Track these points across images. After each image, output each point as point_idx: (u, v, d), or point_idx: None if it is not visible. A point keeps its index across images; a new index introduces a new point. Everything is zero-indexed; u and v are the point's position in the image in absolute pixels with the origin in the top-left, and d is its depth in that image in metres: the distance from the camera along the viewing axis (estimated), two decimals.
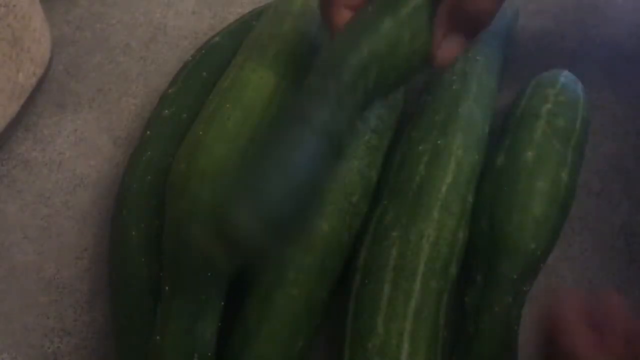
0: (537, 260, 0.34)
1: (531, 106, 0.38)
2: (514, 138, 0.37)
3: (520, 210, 0.34)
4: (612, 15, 0.49)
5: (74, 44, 0.48)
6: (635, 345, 0.26)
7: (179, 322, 0.32)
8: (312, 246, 0.34)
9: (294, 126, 0.25)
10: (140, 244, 0.36)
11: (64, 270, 0.39)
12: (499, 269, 0.34)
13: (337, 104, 0.26)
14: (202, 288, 0.32)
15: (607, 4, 0.49)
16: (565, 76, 0.40)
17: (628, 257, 0.38)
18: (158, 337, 0.32)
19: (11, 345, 0.37)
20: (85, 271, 0.39)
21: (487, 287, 0.34)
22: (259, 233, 0.23)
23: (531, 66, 0.43)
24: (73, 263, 0.39)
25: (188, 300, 0.32)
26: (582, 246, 0.39)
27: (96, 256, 0.39)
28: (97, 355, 0.36)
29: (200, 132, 0.35)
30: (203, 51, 0.44)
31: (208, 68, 0.42)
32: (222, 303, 0.33)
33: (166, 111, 0.40)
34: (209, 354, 0.32)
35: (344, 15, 0.30)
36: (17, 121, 0.43)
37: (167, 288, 0.33)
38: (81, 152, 0.43)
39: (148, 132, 0.40)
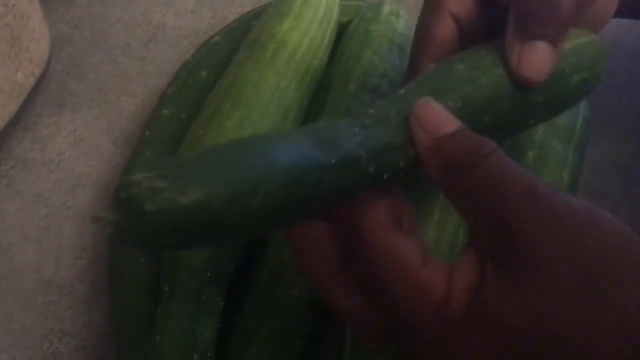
0: None
1: None
2: (515, 138, 0.37)
3: None
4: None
5: (73, 43, 0.48)
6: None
7: (179, 322, 0.32)
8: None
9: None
10: None
11: (63, 270, 0.39)
12: None
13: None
14: (202, 288, 0.32)
15: None
16: None
17: None
18: (158, 337, 0.32)
19: (10, 346, 0.36)
20: (85, 271, 0.39)
21: None
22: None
23: None
24: (72, 263, 0.39)
25: (188, 300, 0.32)
26: None
27: (95, 256, 0.39)
28: (97, 355, 0.36)
29: (200, 132, 0.35)
30: (202, 51, 0.44)
31: (208, 68, 0.42)
32: (222, 303, 0.33)
33: (166, 111, 0.40)
34: (209, 354, 0.32)
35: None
36: (16, 121, 0.43)
37: (167, 288, 0.32)
38: (80, 152, 0.43)
39: (147, 132, 0.40)
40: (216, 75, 0.40)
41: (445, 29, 0.29)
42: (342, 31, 0.43)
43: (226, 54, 0.42)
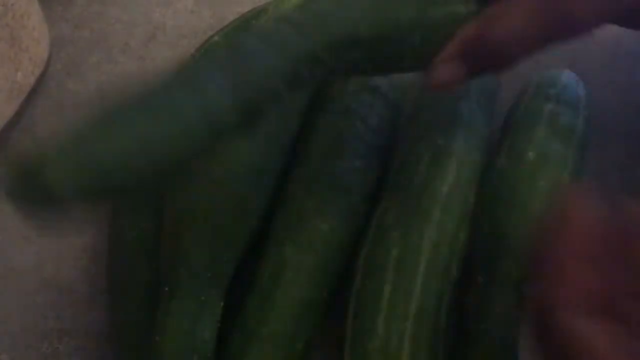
0: None
1: (532, 106, 0.38)
2: (515, 138, 0.37)
3: (521, 210, 0.34)
4: None
5: (73, 43, 0.48)
6: None
7: (179, 322, 0.32)
8: (312, 246, 0.34)
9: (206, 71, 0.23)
10: (140, 244, 0.36)
11: (63, 270, 0.39)
12: (500, 269, 0.34)
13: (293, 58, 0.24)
14: (202, 288, 0.32)
15: None
16: (567, 76, 0.40)
17: None
18: (158, 337, 0.32)
19: (10, 346, 0.36)
20: (85, 271, 0.39)
21: (488, 288, 0.34)
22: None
23: (531, 66, 0.42)
24: (72, 263, 0.39)
25: (188, 300, 0.32)
26: None
27: (96, 256, 0.39)
28: (97, 355, 0.36)
29: None
30: (202, 50, 0.43)
31: None
32: (222, 303, 0.33)
33: None
34: (209, 354, 0.32)
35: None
36: (16, 121, 0.43)
37: (166, 288, 0.32)
38: None
39: None
40: None
41: None
42: None
43: None
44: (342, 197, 0.35)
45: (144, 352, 0.32)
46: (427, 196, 0.34)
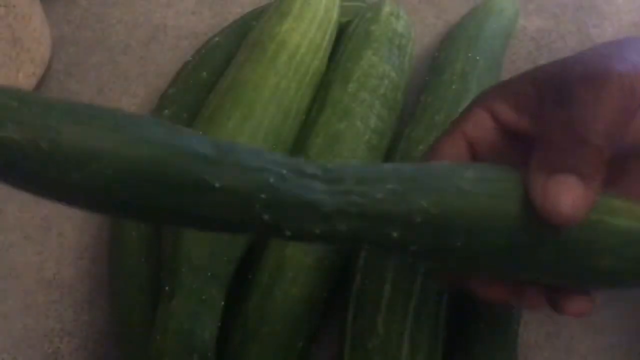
0: None
1: None
2: None
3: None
4: (611, 14, 0.49)
5: (74, 44, 0.48)
6: None
7: (179, 322, 0.32)
8: (312, 246, 0.34)
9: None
10: (140, 244, 0.36)
11: (64, 270, 0.39)
12: None
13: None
14: (202, 288, 0.32)
15: (607, 3, 0.49)
16: None
17: None
18: (158, 337, 0.32)
19: (11, 346, 0.36)
20: (85, 271, 0.39)
21: None
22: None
23: (531, 66, 0.42)
24: (73, 263, 0.39)
25: (188, 300, 0.32)
26: None
27: (96, 256, 0.39)
28: (97, 355, 0.36)
29: (201, 133, 0.35)
30: (203, 51, 0.44)
31: (208, 68, 0.42)
32: (222, 303, 0.33)
33: (166, 111, 0.40)
34: (209, 354, 0.32)
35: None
36: None
37: (167, 288, 0.33)
38: None
39: None
40: (216, 76, 0.40)
41: (453, 150, 0.27)
42: (342, 32, 0.43)
43: (226, 54, 0.42)
44: None
45: (144, 352, 0.32)
46: None
